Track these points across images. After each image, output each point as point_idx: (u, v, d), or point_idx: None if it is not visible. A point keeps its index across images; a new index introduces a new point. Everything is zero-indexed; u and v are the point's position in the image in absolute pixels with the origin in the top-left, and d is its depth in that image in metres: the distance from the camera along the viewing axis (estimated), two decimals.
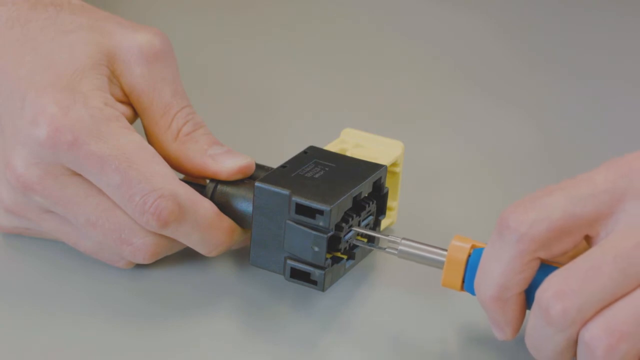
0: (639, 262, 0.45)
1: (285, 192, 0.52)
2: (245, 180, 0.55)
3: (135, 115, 0.57)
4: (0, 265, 0.57)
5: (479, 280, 0.49)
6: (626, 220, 0.46)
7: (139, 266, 0.56)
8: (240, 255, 0.58)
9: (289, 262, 0.53)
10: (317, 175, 0.54)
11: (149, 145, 0.54)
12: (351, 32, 0.77)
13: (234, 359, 0.53)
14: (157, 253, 0.54)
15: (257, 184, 0.52)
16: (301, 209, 0.51)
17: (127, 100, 0.56)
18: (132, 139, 0.53)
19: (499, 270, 0.47)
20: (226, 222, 0.55)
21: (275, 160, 0.57)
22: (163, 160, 0.54)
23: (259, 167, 0.57)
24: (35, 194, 0.53)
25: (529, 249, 0.47)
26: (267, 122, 0.69)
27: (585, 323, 0.46)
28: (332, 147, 0.59)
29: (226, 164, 0.55)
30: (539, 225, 0.46)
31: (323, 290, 0.53)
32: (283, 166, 0.54)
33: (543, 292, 0.46)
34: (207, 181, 0.56)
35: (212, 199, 0.55)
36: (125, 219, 0.53)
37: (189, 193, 0.53)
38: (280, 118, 0.70)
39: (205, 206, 0.54)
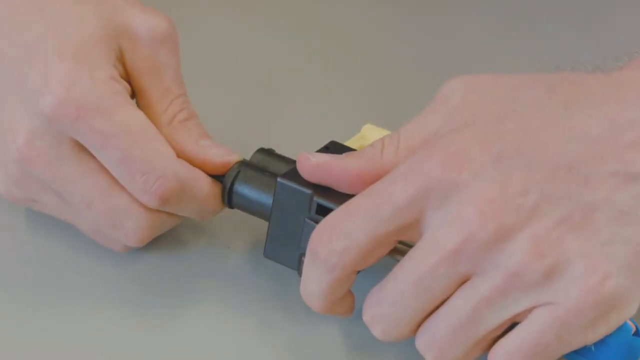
0: (438, 278, 0.46)
1: (308, 191, 0.51)
2: (267, 173, 0.55)
3: (132, 95, 0.56)
4: None
5: (304, 294, 0.51)
6: (426, 236, 0.47)
7: (140, 257, 0.57)
8: (249, 251, 0.58)
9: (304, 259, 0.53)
10: None
11: (151, 124, 0.54)
12: (377, 25, 0.77)
13: (236, 350, 0.54)
14: (149, 236, 0.55)
15: (279, 179, 0.52)
16: (322, 210, 0.51)
17: (127, 79, 0.56)
18: (136, 115, 0.53)
19: (322, 290, 0.49)
20: (219, 189, 0.56)
21: (295, 153, 0.57)
22: (164, 139, 0.54)
23: (279, 157, 0.57)
24: (34, 168, 0.53)
25: (343, 274, 0.48)
26: (289, 114, 0.69)
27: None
28: (353, 143, 0.59)
29: (215, 156, 0.56)
30: (348, 254, 0.48)
31: None
32: None
33: (364, 314, 0.49)
34: (233, 164, 0.56)
35: (234, 179, 0.55)
36: (119, 202, 0.53)
37: (188, 170, 0.54)
38: (302, 110, 0.69)
39: (203, 179, 0.55)
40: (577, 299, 0.44)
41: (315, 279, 0.49)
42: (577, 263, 0.45)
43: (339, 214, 0.48)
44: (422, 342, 0.48)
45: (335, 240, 0.48)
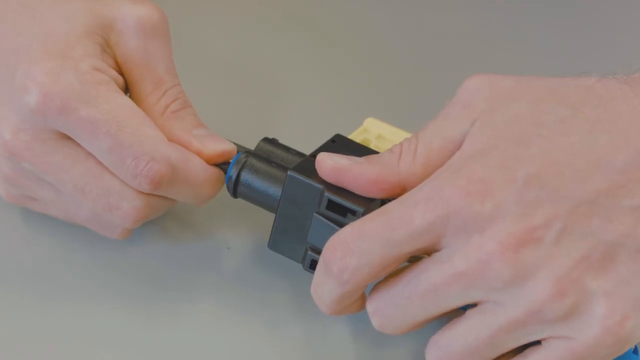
0: (448, 295, 0.46)
1: (319, 186, 0.51)
2: (273, 164, 0.55)
3: (125, 86, 0.56)
4: None
5: (315, 297, 0.51)
6: (443, 253, 0.47)
7: (140, 256, 0.57)
8: (249, 250, 0.58)
9: (310, 253, 0.52)
10: None
11: (139, 109, 0.54)
12: (377, 22, 0.76)
13: (237, 349, 0.54)
14: (146, 216, 0.55)
15: (290, 172, 0.52)
16: (333, 206, 0.51)
17: (119, 71, 0.56)
18: (122, 102, 0.53)
19: (332, 299, 0.49)
20: (215, 172, 0.55)
21: (299, 145, 0.57)
22: (153, 123, 0.54)
23: (284, 147, 0.56)
24: (22, 161, 0.53)
25: (354, 288, 0.48)
26: (292, 109, 0.68)
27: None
28: (356, 136, 0.59)
29: (209, 146, 0.55)
30: (361, 271, 0.48)
31: None
32: (313, 155, 0.54)
33: (368, 304, 0.49)
34: (240, 153, 0.56)
35: (241, 169, 0.55)
36: (112, 184, 0.53)
37: (179, 152, 0.54)
38: (305, 106, 0.69)
39: (196, 163, 0.54)
40: (595, 338, 0.45)
41: (327, 289, 0.49)
42: (597, 303, 0.45)
43: (355, 230, 0.48)
44: (434, 356, 0.48)
45: (348, 257, 0.47)
